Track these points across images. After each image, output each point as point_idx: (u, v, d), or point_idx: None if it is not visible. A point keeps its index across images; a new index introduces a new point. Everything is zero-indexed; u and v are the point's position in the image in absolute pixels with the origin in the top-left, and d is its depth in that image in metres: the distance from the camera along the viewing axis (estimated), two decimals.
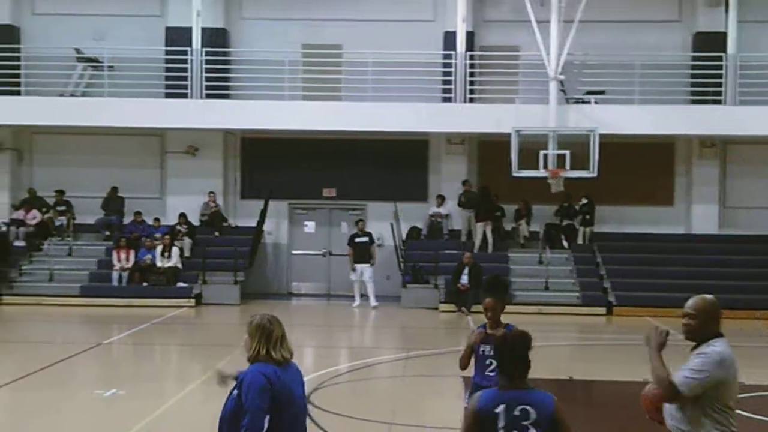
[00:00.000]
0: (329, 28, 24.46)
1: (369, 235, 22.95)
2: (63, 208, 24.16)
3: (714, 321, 5.41)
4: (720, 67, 23.11)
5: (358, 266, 22.50)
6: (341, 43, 24.43)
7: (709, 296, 5.52)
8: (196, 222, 24.00)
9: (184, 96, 23.28)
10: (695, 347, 5.36)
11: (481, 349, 6.99)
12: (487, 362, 6.91)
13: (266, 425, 5.08)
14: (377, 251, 23.00)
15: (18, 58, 23.68)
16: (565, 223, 23.84)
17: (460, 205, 23.70)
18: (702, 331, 5.38)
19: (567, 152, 21.37)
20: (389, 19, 24.29)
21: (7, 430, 10.34)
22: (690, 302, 5.49)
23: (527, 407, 4.89)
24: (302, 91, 23.88)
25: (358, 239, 22.85)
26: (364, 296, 22.48)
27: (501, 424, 4.88)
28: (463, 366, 7.27)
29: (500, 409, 4.90)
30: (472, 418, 4.95)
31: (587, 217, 23.76)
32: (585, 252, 23.43)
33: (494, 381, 6.76)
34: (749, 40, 23.46)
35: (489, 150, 24.00)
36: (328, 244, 25.20)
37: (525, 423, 4.87)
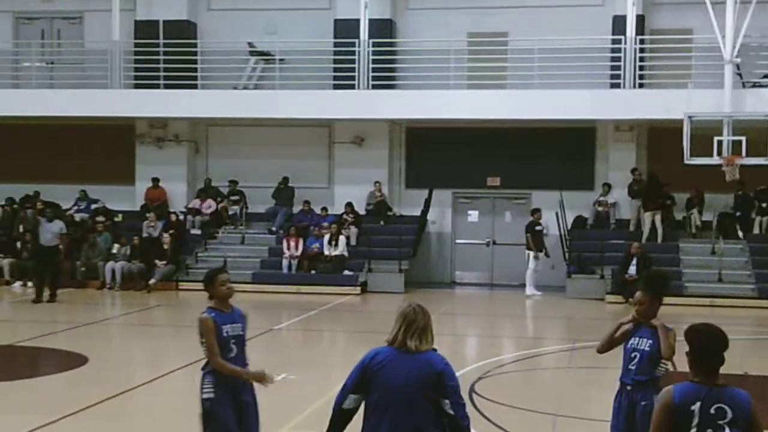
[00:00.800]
0: (495, 15, 24.31)
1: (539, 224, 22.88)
2: (236, 197, 25.07)
3: None
4: None
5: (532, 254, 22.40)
6: (507, 31, 24.24)
7: None
8: (362, 211, 24.40)
9: (352, 87, 23.67)
10: None
11: (629, 343, 6.78)
12: (632, 355, 6.72)
13: (350, 403, 5.32)
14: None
15: (195, 53, 24.68)
16: (739, 213, 22.86)
17: (630, 194, 23.12)
18: None
19: (743, 138, 20.47)
20: (556, 5, 23.91)
21: (188, 409, 10.82)
22: None
23: (723, 406, 4.59)
24: (467, 80, 23.86)
25: (537, 227, 22.70)
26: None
27: (695, 421, 4.59)
28: (600, 349, 7.11)
29: (696, 406, 4.60)
30: (666, 413, 4.63)
31: (764, 205, 22.71)
32: (762, 242, 22.41)
33: (631, 377, 6.67)
34: None
35: (659, 137, 23.29)
36: (492, 234, 25.11)
37: (721, 422, 4.57)
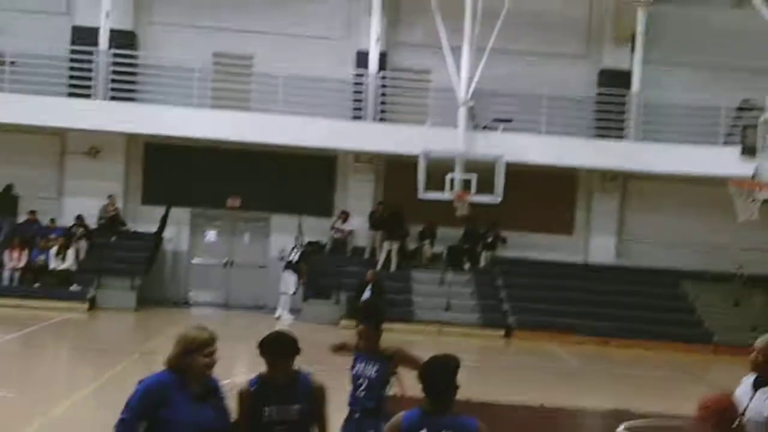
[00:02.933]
0: (241, 38, 24.22)
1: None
2: None
3: None
4: (624, 104, 23.80)
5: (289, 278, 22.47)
6: (253, 54, 24.21)
7: None
8: (93, 225, 23.37)
9: (88, 96, 22.72)
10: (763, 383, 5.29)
11: (355, 369, 6.88)
12: (359, 382, 6.80)
13: None
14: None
15: None
16: (467, 246, 24.06)
17: (371, 223, 23.70)
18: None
19: (473, 176, 21.60)
20: (302, 34, 24.19)
21: None
22: (759, 340, 5.41)
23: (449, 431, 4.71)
24: (211, 99, 23.60)
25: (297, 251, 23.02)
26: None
27: None
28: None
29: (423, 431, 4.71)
30: None
31: (489, 240, 24.05)
32: (486, 275, 23.69)
33: (360, 405, 6.73)
34: (653, 80, 24.15)
35: (397, 170, 24.09)
36: (230, 254, 24.86)
37: None
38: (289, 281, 22.54)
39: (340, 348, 7.33)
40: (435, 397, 4.75)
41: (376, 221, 23.72)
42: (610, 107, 24.04)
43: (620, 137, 23.84)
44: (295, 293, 22.55)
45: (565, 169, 23.92)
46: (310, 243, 23.75)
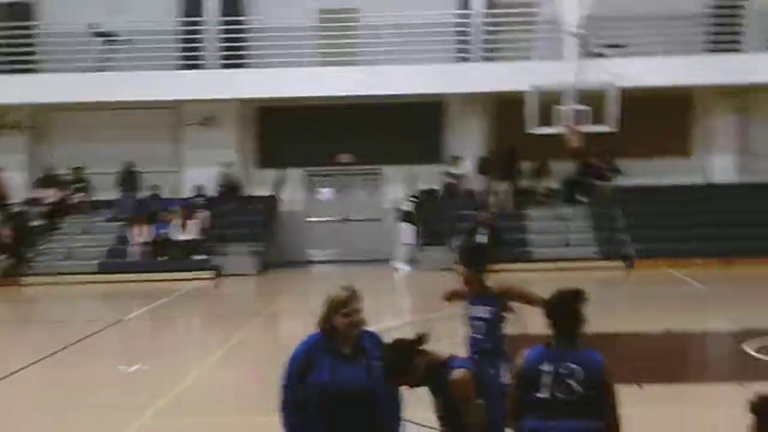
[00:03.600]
0: None
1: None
2: (80, 185, 24.15)
3: None
4: (739, 15, 22.71)
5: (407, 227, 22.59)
6: (358, 6, 24.10)
7: None
8: (212, 193, 23.94)
9: (199, 66, 23.13)
10: None
11: (468, 313, 6.99)
12: (474, 324, 6.92)
13: None
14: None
15: (31, 35, 23.55)
16: (582, 179, 23.62)
17: (484, 172, 23.52)
18: None
19: (583, 107, 21.06)
20: None
21: (38, 407, 10.42)
22: None
23: (574, 366, 4.74)
24: (319, 56, 23.69)
25: (413, 200, 23.00)
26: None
27: (546, 380, 4.76)
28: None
29: (546, 366, 4.78)
30: (518, 378, 4.88)
31: (605, 173, 23.45)
32: (603, 206, 23.21)
33: (477, 345, 6.85)
34: None
35: (507, 109, 23.69)
36: (345, 210, 25.10)
37: (570, 381, 4.72)
38: (406, 232, 22.60)
39: (451, 296, 7.44)
40: (560, 332, 4.78)
41: (488, 167, 23.48)
42: (725, 19, 22.96)
43: (736, 51, 22.80)
44: (412, 244, 22.61)
45: (681, 90, 23.11)
46: (423, 191, 23.72)
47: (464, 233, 21.68)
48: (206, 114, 24.35)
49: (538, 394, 4.76)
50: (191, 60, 23.43)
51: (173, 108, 24.48)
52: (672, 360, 12.08)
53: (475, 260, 7.07)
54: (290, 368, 5.05)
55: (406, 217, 22.76)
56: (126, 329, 15.93)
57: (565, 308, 4.82)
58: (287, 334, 14.57)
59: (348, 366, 4.97)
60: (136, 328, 16.39)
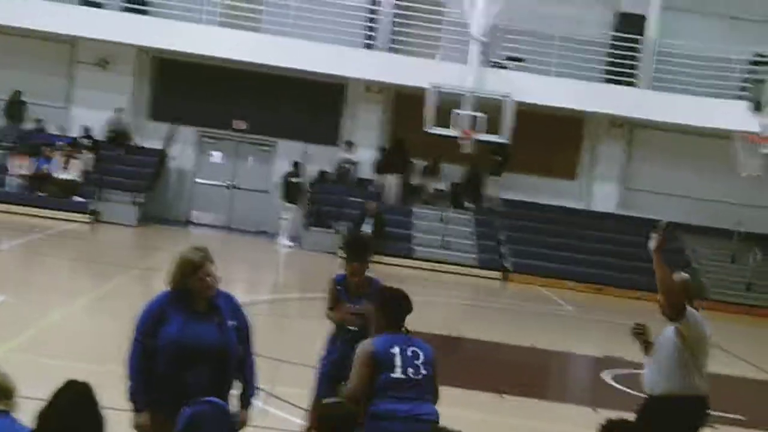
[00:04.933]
0: None
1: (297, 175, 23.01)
2: None
3: (685, 298, 5.99)
4: (638, 50, 23.59)
5: (289, 205, 22.48)
6: None
7: (680, 274, 6.16)
8: (100, 138, 23.40)
9: (100, 6, 22.63)
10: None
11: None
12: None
13: None
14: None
15: None
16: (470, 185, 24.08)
17: (378, 170, 23.72)
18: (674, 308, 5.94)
19: (480, 114, 21.48)
20: None
21: None
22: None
23: (416, 349, 5.33)
24: (220, 17, 23.45)
25: (293, 179, 22.76)
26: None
27: (398, 362, 5.22)
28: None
29: (395, 350, 5.27)
30: (368, 360, 5.25)
31: (498, 159, 23.70)
32: (487, 215, 23.76)
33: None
34: (670, 27, 23.93)
35: (406, 102, 23.96)
36: (234, 177, 24.91)
37: (417, 362, 5.27)
38: (288, 209, 22.60)
39: (334, 305, 6.97)
40: (398, 321, 5.46)
41: (382, 158, 23.73)
42: (623, 52, 23.79)
43: (631, 84, 23.68)
44: (293, 221, 22.60)
45: (573, 113, 23.83)
46: (298, 169, 23.63)
47: (350, 220, 21.89)
48: (102, 55, 23.75)
49: (393, 375, 5.18)
50: None
51: (70, 43, 23.80)
52: (534, 375, 12.51)
53: (361, 251, 6.94)
54: (141, 322, 5.12)
55: (288, 193, 22.73)
56: None
57: (400, 302, 5.50)
58: (158, 290, 14.40)
59: (200, 323, 5.06)
60: (5, 259, 15.92)
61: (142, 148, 23.84)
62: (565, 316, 18.15)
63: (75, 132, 23.28)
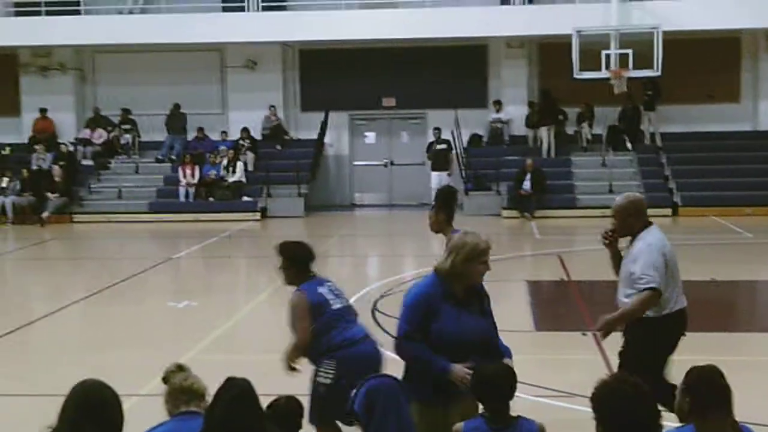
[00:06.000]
0: None
1: (447, 142, 22.95)
2: (128, 126, 24.51)
3: (636, 217, 6.09)
4: None
5: (435, 174, 22.57)
6: None
7: (629, 194, 6.31)
8: (257, 136, 24.18)
9: (241, 9, 23.27)
10: (630, 242, 6.12)
11: None
12: None
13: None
14: (453, 159, 23.00)
15: None
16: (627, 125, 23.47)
17: (530, 125, 23.46)
18: (625, 228, 6.11)
19: (630, 51, 20.89)
20: None
21: (86, 342, 10.75)
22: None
23: (331, 284, 5.82)
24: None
25: (437, 146, 22.86)
26: None
27: (330, 297, 5.72)
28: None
29: (323, 289, 5.77)
30: (306, 312, 5.73)
31: (650, 94, 23.04)
32: (649, 153, 23.11)
33: None
34: None
35: (550, 52, 23.60)
36: (389, 154, 25.23)
37: (340, 294, 5.82)
38: (436, 177, 22.62)
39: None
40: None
41: (531, 113, 23.44)
42: None
43: None
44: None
45: (728, 33, 22.77)
46: (442, 137, 23.58)
47: (509, 179, 21.78)
48: (249, 56, 24.49)
49: (333, 307, 5.79)
50: (233, 2, 23.52)
51: (217, 50, 24.66)
52: (719, 309, 12.07)
53: (436, 201, 7.08)
54: (411, 314, 5.01)
55: (434, 161, 22.79)
56: (175, 267, 16.28)
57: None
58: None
59: (468, 314, 4.99)
60: (185, 266, 16.73)
61: (299, 140, 24.49)
62: (745, 244, 17.45)
63: (234, 135, 24.13)
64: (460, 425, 4.43)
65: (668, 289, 5.96)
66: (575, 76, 21.09)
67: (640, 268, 5.89)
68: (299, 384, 5.85)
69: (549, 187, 21.57)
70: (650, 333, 5.99)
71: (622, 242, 6.28)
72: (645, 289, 5.85)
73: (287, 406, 4.79)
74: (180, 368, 4.47)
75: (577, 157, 23.19)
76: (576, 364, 8.90)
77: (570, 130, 23.82)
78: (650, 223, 6.13)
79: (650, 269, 5.86)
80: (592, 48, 20.99)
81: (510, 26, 22.67)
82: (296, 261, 5.99)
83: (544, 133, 23.15)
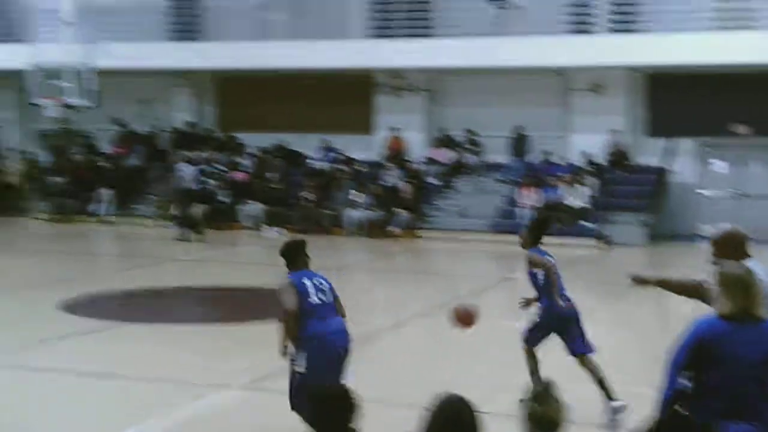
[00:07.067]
0: None
1: None
2: (473, 147, 25.11)
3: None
4: None
5: None
6: None
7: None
8: (600, 161, 23.82)
9: (587, 32, 23.09)
10: None
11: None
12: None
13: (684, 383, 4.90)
14: None
15: (427, 1, 24.73)
16: None
17: None
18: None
19: None
20: None
21: (426, 357, 11.08)
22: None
23: (320, 280, 7.47)
24: (713, 20, 22.64)
25: None
26: None
27: (312, 291, 7.32)
28: None
29: (307, 281, 7.36)
30: (293, 289, 7.29)
31: None
32: None
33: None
34: None
35: None
36: (741, 184, 23.79)
37: (324, 289, 7.42)
38: None
39: None
40: (302, 262, 7.71)
41: None
42: None
43: None
44: None
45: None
46: None
47: None
48: (592, 80, 24.17)
49: (310, 300, 7.23)
50: (580, 24, 23.35)
51: (561, 74, 24.58)
52: None
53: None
54: (682, 356, 4.89)
55: None
56: (511, 287, 16.39)
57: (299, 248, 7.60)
58: (674, 310, 14.21)
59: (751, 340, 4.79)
60: (521, 286, 16.77)
61: (642, 166, 23.81)
62: None
63: (574, 158, 23.93)
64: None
65: None
66: None
67: None
68: None
69: None
70: None
71: None
72: None
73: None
74: (547, 390, 4.27)
75: None
76: None
77: None
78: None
79: None
80: None
81: None
82: (292, 254, 7.53)
83: None
